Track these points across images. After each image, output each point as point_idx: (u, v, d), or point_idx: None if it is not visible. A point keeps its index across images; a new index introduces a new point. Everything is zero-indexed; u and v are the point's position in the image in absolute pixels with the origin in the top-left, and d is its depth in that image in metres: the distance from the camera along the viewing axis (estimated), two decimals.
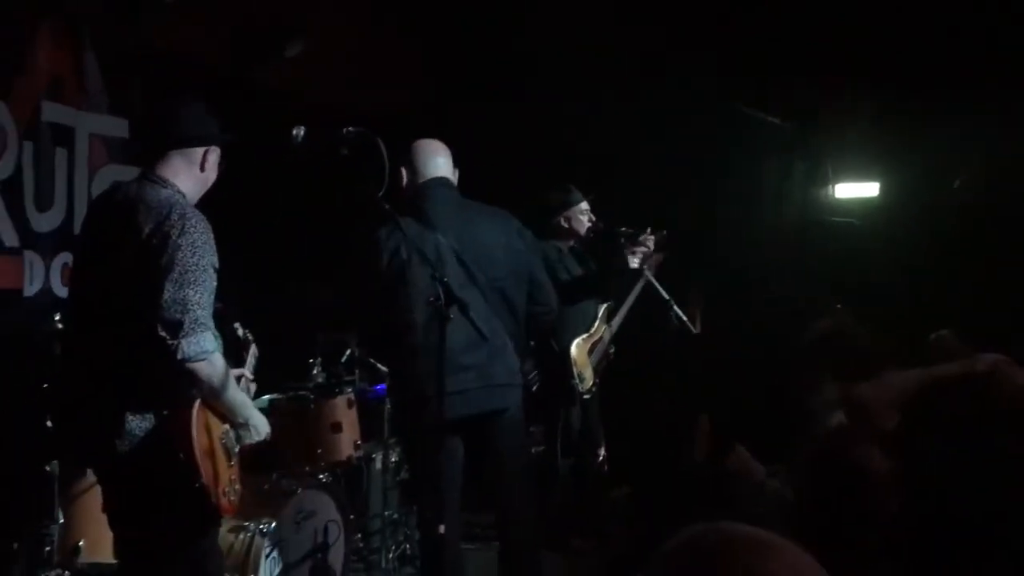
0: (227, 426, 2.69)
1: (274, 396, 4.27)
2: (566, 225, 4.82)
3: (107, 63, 4.32)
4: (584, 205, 4.84)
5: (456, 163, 3.46)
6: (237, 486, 2.72)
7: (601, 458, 4.82)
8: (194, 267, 2.46)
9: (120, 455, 2.49)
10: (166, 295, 2.41)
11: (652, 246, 4.77)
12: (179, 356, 2.41)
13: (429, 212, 3.24)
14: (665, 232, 4.80)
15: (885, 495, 1.99)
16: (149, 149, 2.68)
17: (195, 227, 2.50)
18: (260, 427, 2.82)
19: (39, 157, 4.00)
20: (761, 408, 3.41)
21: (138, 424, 2.49)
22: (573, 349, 4.73)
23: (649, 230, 4.78)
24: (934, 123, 5.60)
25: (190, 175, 2.68)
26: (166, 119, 2.70)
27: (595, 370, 4.81)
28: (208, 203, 2.78)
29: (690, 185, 5.92)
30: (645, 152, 5.86)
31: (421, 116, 4.72)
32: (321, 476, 3.95)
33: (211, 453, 2.57)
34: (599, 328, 4.85)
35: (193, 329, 2.42)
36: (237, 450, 2.74)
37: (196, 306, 2.44)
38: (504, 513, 3.40)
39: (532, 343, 3.51)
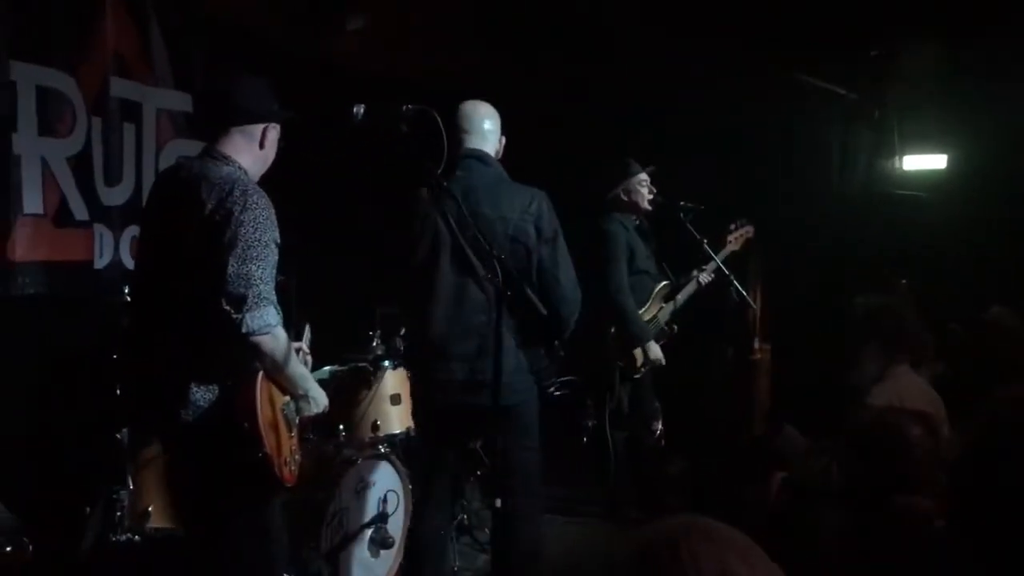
0: (287, 398, 2.74)
1: (334, 368, 4.34)
2: (626, 198, 4.77)
3: (171, 38, 4.39)
4: (644, 176, 4.78)
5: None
6: (297, 456, 2.77)
7: (658, 433, 4.81)
8: (256, 242, 2.49)
9: (185, 425, 2.54)
10: (230, 270, 2.45)
11: (739, 247, 4.74)
12: (243, 330, 2.45)
13: (452, 187, 3.04)
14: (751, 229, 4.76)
15: (930, 468, 1.98)
16: (210, 126, 2.71)
17: (257, 203, 2.53)
18: (319, 399, 2.86)
19: (108, 132, 4.09)
20: (815, 384, 3.36)
21: (203, 395, 2.54)
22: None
23: (740, 223, 4.75)
24: (1008, 91, 5.39)
25: (250, 152, 2.69)
26: (226, 96, 2.70)
27: None
28: (270, 177, 2.81)
29: (752, 157, 5.82)
30: (706, 124, 5.77)
31: (480, 88, 4.68)
32: (380, 447, 4.01)
33: (274, 424, 2.62)
34: (653, 306, 4.81)
35: (257, 303, 2.46)
36: (297, 421, 2.79)
37: (259, 281, 2.48)
38: (505, 508, 3.17)
39: (557, 340, 3.21)
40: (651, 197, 4.78)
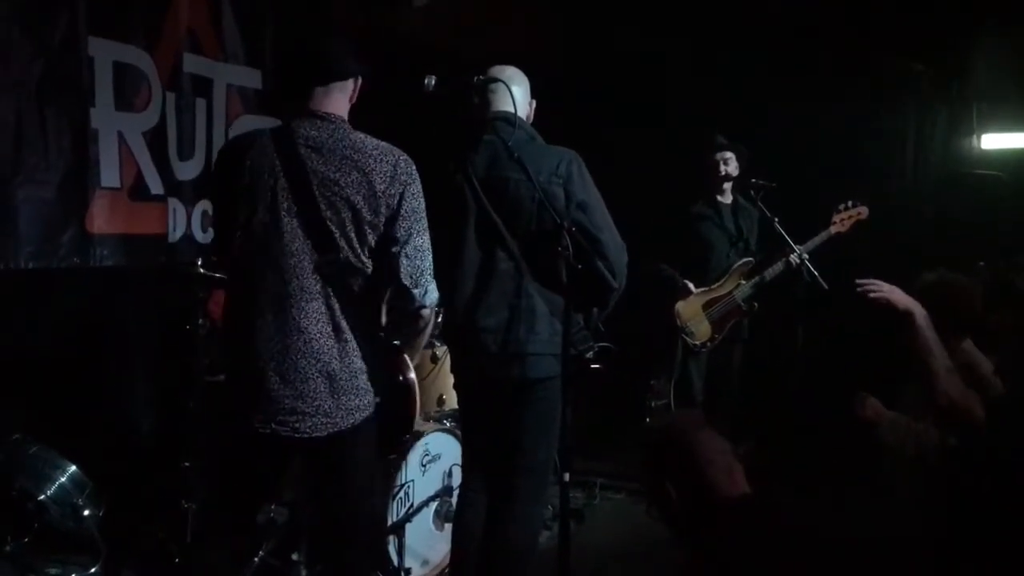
0: None
1: (399, 342, 4.36)
2: (708, 172, 4.81)
3: (242, 15, 4.44)
4: (728, 153, 4.83)
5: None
6: None
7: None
8: (424, 216, 2.52)
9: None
10: (411, 245, 2.46)
11: (847, 228, 4.68)
12: (421, 302, 2.52)
13: (480, 151, 2.94)
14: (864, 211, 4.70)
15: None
16: (307, 85, 2.49)
17: (415, 174, 2.51)
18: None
19: (181, 108, 4.17)
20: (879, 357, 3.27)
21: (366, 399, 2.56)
22: (680, 302, 4.72)
23: (851, 203, 4.69)
24: None
25: (346, 108, 2.55)
26: (327, 54, 2.54)
27: (714, 324, 4.75)
28: None
29: (826, 136, 5.68)
30: (781, 103, 5.65)
31: (547, 61, 4.65)
32: (446, 421, 4.03)
33: None
34: (727, 284, 4.77)
35: (432, 278, 2.54)
36: None
37: (430, 254, 2.53)
38: (501, 500, 3.08)
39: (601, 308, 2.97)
40: (735, 174, 4.78)
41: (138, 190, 3.99)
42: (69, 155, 3.67)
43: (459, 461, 3.74)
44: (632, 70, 5.92)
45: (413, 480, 3.65)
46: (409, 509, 3.62)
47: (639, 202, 4.40)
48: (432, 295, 2.54)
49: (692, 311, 4.76)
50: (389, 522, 3.53)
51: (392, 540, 3.53)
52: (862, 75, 5.74)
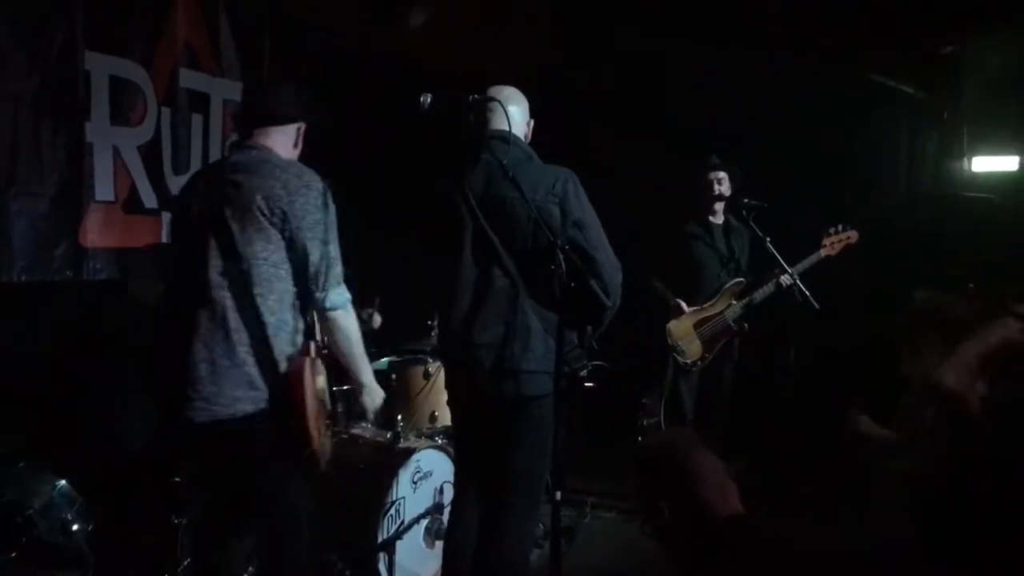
0: (322, 386, 2.80)
1: (393, 358, 4.37)
2: (701, 192, 4.84)
3: (239, 31, 4.46)
4: (721, 173, 4.86)
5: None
6: (328, 444, 2.85)
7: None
8: (331, 223, 2.66)
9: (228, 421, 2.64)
10: (313, 251, 2.62)
11: (836, 252, 4.70)
12: (325, 305, 2.65)
13: (476, 169, 2.96)
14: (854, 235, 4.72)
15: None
16: (251, 124, 2.81)
17: (316, 185, 2.67)
18: (376, 393, 2.96)
19: (176, 122, 4.18)
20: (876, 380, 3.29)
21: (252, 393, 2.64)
22: (672, 321, 4.73)
23: (842, 227, 4.71)
24: None
25: (285, 148, 2.80)
26: (265, 99, 2.86)
27: (705, 344, 4.77)
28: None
29: (818, 157, 5.72)
30: (773, 124, 5.69)
31: (542, 79, 4.69)
32: (438, 438, 4.02)
33: (316, 416, 2.68)
34: (718, 303, 4.79)
35: (338, 281, 2.67)
36: (328, 408, 2.88)
37: (337, 260, 2.68)
38: (495, 516, 3.07)
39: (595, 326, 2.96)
40: (727, 195, 4.81)
41: (132, 204, 3.99)
42: (64, 168, 3.67)
43: (450, 478, 3.75)
44: (628, 81, 5.97)
45: (404, 497, 3.65)
46: (400, 526, 3.61)
47: (634, 218, 4.43)
48: (336, 298, 2.68)
49: (683, 330, 4.78)
50: (380, 539, 3.53)
51: (382, 557, 3.52)
52: (855, 97, 5.78)
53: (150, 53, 4.01)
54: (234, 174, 2.65)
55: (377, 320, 4.46)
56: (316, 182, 2.66)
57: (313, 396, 2.64)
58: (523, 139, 3.07)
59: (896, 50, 5.66)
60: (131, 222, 3.99)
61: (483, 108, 3.01)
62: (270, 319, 2.61)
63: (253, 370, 2.60)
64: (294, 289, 2.66)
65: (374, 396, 2.96)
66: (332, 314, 2.69)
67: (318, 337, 2.96)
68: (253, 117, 2.81)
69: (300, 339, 2.72)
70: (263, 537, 2.82)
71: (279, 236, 2.59)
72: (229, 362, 2.58)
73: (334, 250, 2.66)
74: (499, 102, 2.92)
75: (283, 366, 2.64)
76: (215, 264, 2.60)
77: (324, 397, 2.83)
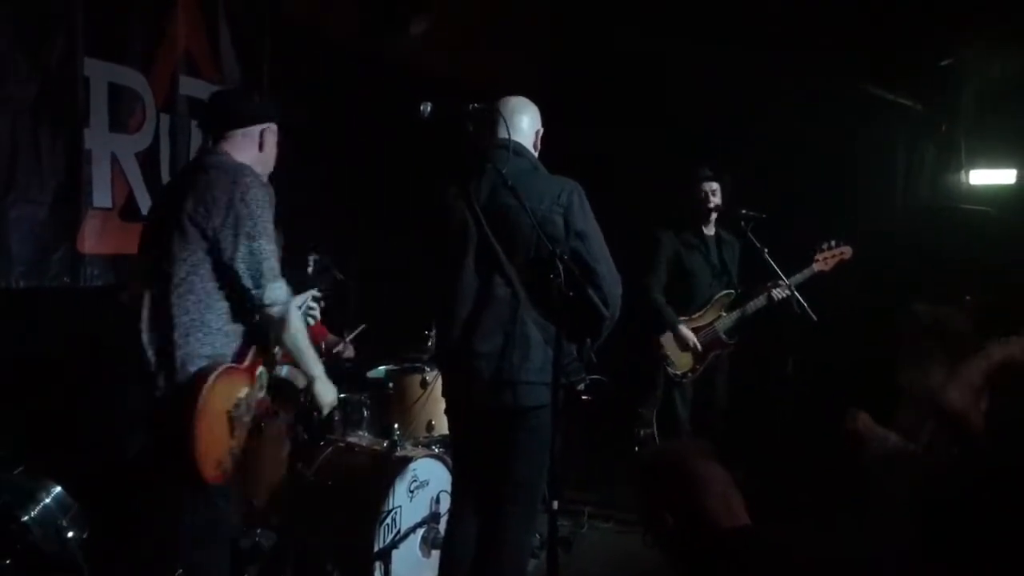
0: (243, 396, 2.74)
1: (390, 366, 4.37)
2: (695, 203, 4.81)
3: (239, 38, 4.47)
4: (714, 184, 4.83)
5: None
6: (232, 457, 2.74)
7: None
8: (266, 220, 2.68)
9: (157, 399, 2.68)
10: (241, 249, 2.64)
11: (829, 267, 4.69)
12: (263, 301, 2.65)
13: (482, 179, 2.95)
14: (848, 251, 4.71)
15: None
16: (213, 128, 2.85)
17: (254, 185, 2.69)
18: (326, 392, 2.95)
19: (175, 129, 4.18)
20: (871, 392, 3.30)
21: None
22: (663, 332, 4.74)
23: (835, 242, 4.70)
24: None
25: (250, 152, 2.82)
26: (225, 101, 2.91)
27: (696, 355, 4.76)
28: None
29: (816, 170, 5.74)
30: (772, 135, 5.71)
31: (545, 89, 4.71)
32: (434, 447, 4.01)
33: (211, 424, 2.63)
34: (708, 314, 4.78)
35: (273, 277, 2.68)
36: (248, 422, 2.79)
37: (270, 255, 2.68)
38: (493, 526, 3.05)
39: (594, 338, 2.96)
40: (720, 204, 4.79)
41: (129, 211, 3.99)
42: (62, 175, 3.67)
43: (447, 488, 3.74)
44: (628, 83, 5.99)
45: (400, 506, 3.63)
46: (396, 535, 3.60)
47: (634, 219, 4.44)
48: (273, 294, 2.67)
49: (674, 341, 4.77)
50: (376, 548, 3.51)
51: (378, 567, 3.50)
52: (853, 109, 5.80)
53: (150, 60, 4.02)
54: (182, 176, 2.76)
55: (350, 351, 4.44)
56: (246, 179, 2.66)
57: (212, 410, 2.59)
58: (530, 148, 3.07)
59: (894, 63, 5.69)
60: (128, 229, 3.97)
61: (486, 118, 3.01)
62: (182, 318, 2.60)
63: (155, 369, 2.63)
64: (222, 291, 2.65)
65: (327, 389, 2.96)
66: (271, 310, 2.68)
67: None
68: (209, 121, 2.90)
69: (231, 343, 2.70)
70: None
71: (199, 235, 2.61)
72: (142, 359, 2.65)
73: (265, 246, 2.64)
74: (499, 110, 2.93)
75: (191, 368, 2.60)
76: (160, 264, 2.65)
77: (241, 408, 2.73)
